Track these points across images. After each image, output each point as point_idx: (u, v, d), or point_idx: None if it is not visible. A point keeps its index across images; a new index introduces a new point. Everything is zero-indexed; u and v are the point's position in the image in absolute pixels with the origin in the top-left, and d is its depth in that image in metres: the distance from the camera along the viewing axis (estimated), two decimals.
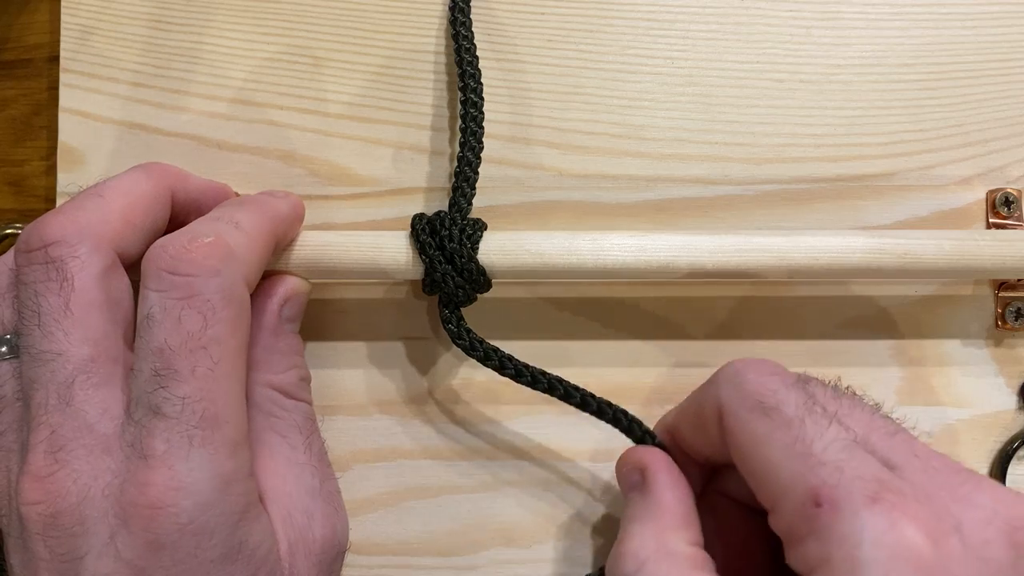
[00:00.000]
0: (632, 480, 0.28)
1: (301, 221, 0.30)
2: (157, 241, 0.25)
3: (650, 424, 0.29)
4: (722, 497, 0.28)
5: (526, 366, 0.29)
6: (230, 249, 0.25)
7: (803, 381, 0.25)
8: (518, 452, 0.32)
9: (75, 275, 0.24)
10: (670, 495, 0.26)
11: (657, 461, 0.27)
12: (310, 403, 0.29)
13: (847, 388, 0.25)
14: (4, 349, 0.25)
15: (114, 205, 0.26)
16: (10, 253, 0.26)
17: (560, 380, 0.29)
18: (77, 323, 0.24)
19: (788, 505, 0.22)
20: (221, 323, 0.24)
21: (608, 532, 0.31)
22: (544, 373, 0.29)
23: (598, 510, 0.31)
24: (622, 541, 0.26)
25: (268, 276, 0.29)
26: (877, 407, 0.25)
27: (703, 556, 0.25)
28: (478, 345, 0.29)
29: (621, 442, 0.31)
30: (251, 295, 0.26)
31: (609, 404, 0.29)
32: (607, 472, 0.31)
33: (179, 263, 0.24)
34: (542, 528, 0.31)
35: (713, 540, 0.26)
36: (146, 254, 0.25)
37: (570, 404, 0.29)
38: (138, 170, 0.27)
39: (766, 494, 0.23)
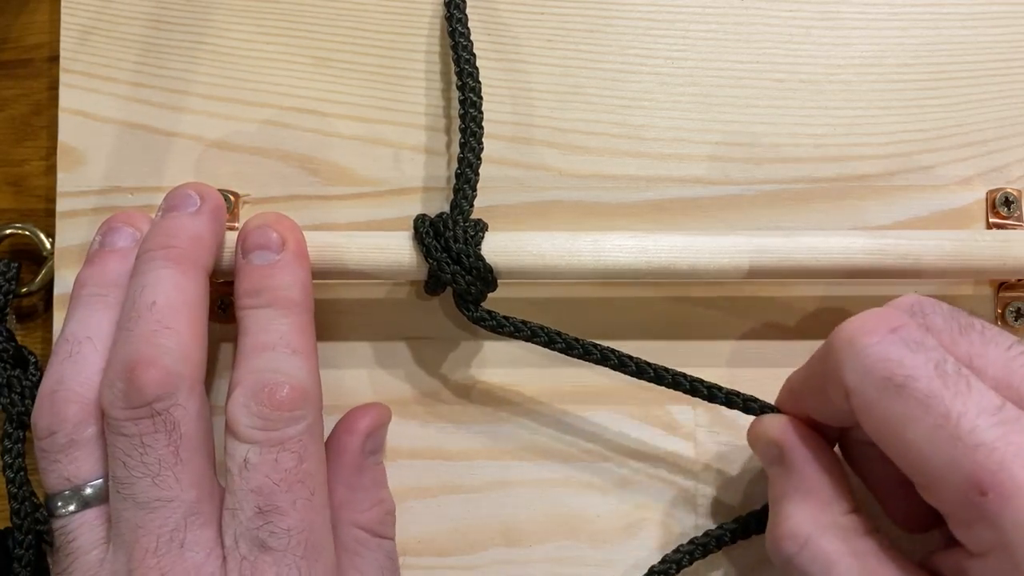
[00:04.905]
0: (771, 454, 0.27)
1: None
2: (236, 398, 0.25)
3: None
4: (861, 444, 0.27)
5: (559, 333, 0.29)
6: (306, 392, 0.26)
7: (924, 331, 0.24)
8: (518, 452, 0.32)
9: (181, 422, 0.25)
10: (814, 469, 0.26)
11: (791, 434, 0.27)
12: (392, 539, 0.30)
13: (968, 315, 0.24)
14: (73, 507, 0.26)
15: (184, 333, 0.26)
16: (70, 407, 0.26)
17: (595, 345, 0.29)
18: (185, 468, 0.25)
19: (947, 490, 0.22)
20: (312, 457, 0.26)
21: (609, 531, 0.31)
22: (578, 339, 0.29)
23: (598, 509, 0.31)
24: (777, 523, 0.26)
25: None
26: (1005, 335, 0.24)
27: (861, 521, 0.25)
28: (504, 321, 0.29)
29: (622, 443, 0.32)
30: (334, 430, 0.30)
31: (647, 364, 0.29)
32: (607, 471, 0.31)
33: (267, 422, 0.25)
34: (542, 528, 0.31)
35: (864, 485, 0.27)
36: (230, 412, 0.25)
37: (608, 367, 0.29)
38: (170, 269, 0.27)
39: (916, 475, 0.23)
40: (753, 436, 0.28)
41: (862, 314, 0.25)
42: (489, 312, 0.29)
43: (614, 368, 0.29)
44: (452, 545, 0.31)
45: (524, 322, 0.29)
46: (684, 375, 0.29)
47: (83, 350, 0.27)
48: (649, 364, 0.29)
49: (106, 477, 0.26)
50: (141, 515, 0.24)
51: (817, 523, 0.25)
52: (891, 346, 0.23)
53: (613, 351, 0.29)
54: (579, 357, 0.29)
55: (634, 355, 0.29)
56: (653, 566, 0.29)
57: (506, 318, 0.29)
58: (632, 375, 0.29)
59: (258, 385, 0.25)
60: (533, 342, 0.29)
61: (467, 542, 0.31)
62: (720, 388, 0.29)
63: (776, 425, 0.27)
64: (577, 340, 0.29)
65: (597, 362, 0.29)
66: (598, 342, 0.29)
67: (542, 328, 0.29)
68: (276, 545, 0.24)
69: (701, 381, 0.29)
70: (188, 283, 0.27)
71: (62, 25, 0.33)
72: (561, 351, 0.29)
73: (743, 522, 0.30)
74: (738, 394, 0.29)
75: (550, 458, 0.32)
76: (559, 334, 0.29)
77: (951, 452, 0.22)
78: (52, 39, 0.33)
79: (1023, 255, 0.30)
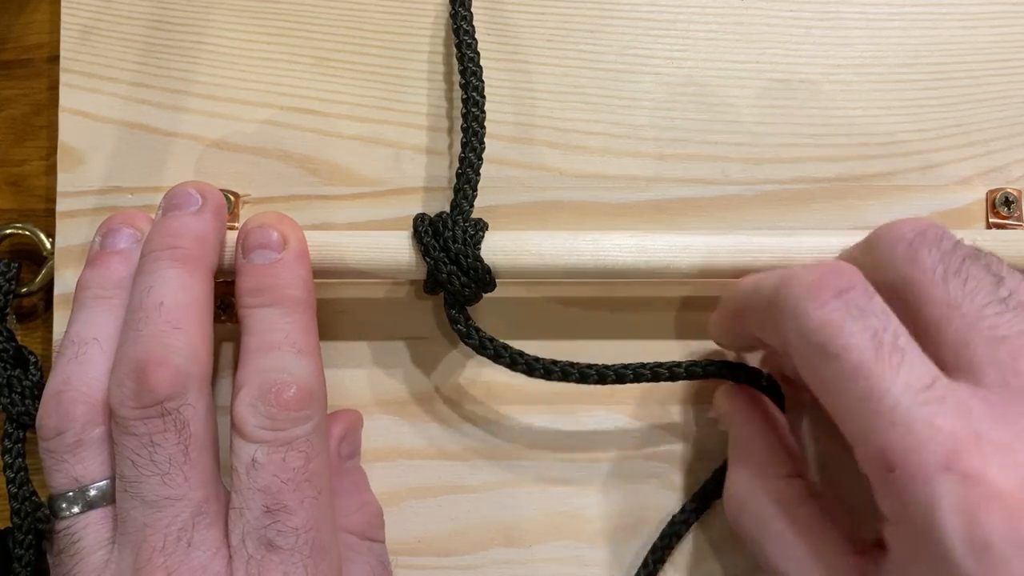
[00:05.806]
0: (725, 422, 0.29)
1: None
2: (242, 398, 0.25)
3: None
4: None
5: (537, 359, 0.29)
6: (312, 392, 0.26)
7: (872, 295, 0.23)
8: (518, 452, 0.32)
9: (190, 421, 0.25)
10: (750, 434, 0.27)
11: (729, 401, 0.28)
12: (383, 541, 0.30)
13: (962, 260, 0.23)
14: (77, 508, 0.26)
15: (193, 333, 0.26)
16: (77, 407, 0.26)
17: (573, 364, 0.29)
18: (194, 467, 0.25)
19: (863, 457, 0.23)
20: (318, 457, 0.26)
21: (609, 531, 0.31)
22: (555, 362, 0.29)
23: (598, 509, 0.31)
24: (725, 487, 0.27)
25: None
26: (989, 290, 0.23)
27: (800, 485, 0.26)
28: (488, 343, 0.29)
29: (622, 442, 0.31)
30: None
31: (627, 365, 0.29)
32: (607, 471, 0.31)
33: (275, 422, 0.25)
34: (542, 528, 0.31)
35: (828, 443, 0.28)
36: (237, 412, 0.25)
37: (589, 384, 0.29)
38: (176, 269, 0.27)
39: (844, 435, 0.23)
40: (713, 407, 0.30)
41: (815, 268, 0.24)
42: (476, 329, 0.29)
43: (595, 384, 0.29)
44: (452, 545, 0.31)
45: (505, 346, 0.29)
46: (644, 364, 0.29)
47: (89, 351, 0.27)
48: (627, 366, 0.29)
49: (111, 479, 0.26)
50: (149, 513, 0.24)
51: (752, 488, 0.26)
52: (833, 312, 0.23)
53: (592, 366, 0.29)
54: (559, 381, 0.29)
55: (632, 355, 0.29)
56: (656, 543, 0.31)
57: (490, 340, 0.29)
58: (612, 383, 0.29)
59: (265, 385, 0.26)
60: (515, 369, 0.29)
61: (467, 542, 0.31)
62: (679, 363, 0.29)
63: (720, 393, 0.29)
64: (555, 363, 0.29)
65: (577, 382, 0.29)
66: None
67: (521, 354, 0.29)
68: (284, 544, 0.24)
69: (659, 364, 0.29)
70: (194, 283, 0.27)
71: (62, 25, 0.33)
72: (541, 377, 0.29)
73: (708, 487, 0.30)
74: (694, 362, 0.29)
75: (550, 458, 0.32)
76: (537, 360, 0.29)
77: (870, 425, 0.22)
78: (52, 39, 0.33)
79: (1023, 255, 0.30)
